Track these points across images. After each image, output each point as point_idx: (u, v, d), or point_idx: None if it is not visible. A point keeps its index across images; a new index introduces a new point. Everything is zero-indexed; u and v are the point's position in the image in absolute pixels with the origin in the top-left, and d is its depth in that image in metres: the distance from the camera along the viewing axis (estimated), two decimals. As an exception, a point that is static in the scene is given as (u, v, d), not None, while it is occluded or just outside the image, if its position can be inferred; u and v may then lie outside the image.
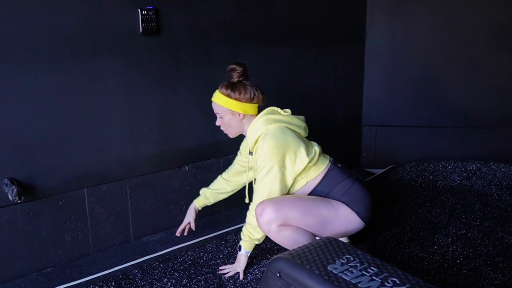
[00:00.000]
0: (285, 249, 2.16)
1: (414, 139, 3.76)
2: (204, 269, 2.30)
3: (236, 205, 2.86)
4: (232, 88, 2.15)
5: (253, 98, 2.16)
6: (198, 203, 2.54)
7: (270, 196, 2.08)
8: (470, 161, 3.53)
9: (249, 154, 2.30)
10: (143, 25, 2.41)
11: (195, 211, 2.55)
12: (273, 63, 3.09)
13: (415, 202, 3.04)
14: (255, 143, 2.17)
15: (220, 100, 2.16)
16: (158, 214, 2.71)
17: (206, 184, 2.57)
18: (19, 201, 2.12)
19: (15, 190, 2.07)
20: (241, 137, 2.33)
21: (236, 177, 2.48)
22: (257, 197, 2.11)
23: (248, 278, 2.21)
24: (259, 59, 2.97)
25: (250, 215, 2.14)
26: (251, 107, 2.17)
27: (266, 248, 2.45)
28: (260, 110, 2.21)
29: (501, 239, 2.51)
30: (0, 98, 2.09)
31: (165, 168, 2.69)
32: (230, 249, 2.49)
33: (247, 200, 2.35)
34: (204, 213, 2.83)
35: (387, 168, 3.69)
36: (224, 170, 2.56)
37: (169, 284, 2.18)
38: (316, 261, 1.56)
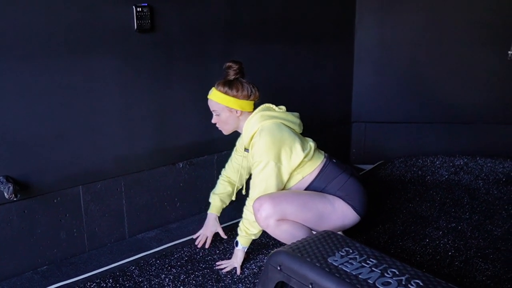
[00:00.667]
0: (282, 244, 2.19)
1: (402, 135, 3.82)
2: (201, 265, 2.31)
3: (231, 201, 2.87)
4: (229, 85, 2.16)
5: (250, 95, 2.18)
6: (216, 210, 2.45)
7: (266, 191, 2.11)
8: (458, 156, 3.61)
9: (245, 151, 2.32)
10: (138, 22, 2.41)
11: (216, 220, 2.45)
12: (265, 60, 3.11)
13: (405, 196, 3.10)
14: (251, 139, 2.19)
15: (217, 98, 2.17)
16: (153, 211, 2.71)
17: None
18: (15, 199, 2.11)
19: (11, 188, 2.06)
20: (234, 134, 2.35)
21: (235, 174, 2.48)
22: (254, 192, 2.13)
23: (245, 273, 2.23)
24: (252, 57, 2.98)
25: (247, 211, 2.15)
26: (248, 104, 2.19)
27: (262, 243, 2.48)
28: (255, 107, 2.23)
29: (490, 232, 2.57)
30: (-5, 95, 2.08)
31: (159, 165, 2.69)
32: (226, 245, 2.50)
33: (244, 192, 2.37)
34: (198, 210, 2.85)
35: (376, 164, 3.75)
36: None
37: (167, 280, 2.19)
38: (316, 254, 1.59)
